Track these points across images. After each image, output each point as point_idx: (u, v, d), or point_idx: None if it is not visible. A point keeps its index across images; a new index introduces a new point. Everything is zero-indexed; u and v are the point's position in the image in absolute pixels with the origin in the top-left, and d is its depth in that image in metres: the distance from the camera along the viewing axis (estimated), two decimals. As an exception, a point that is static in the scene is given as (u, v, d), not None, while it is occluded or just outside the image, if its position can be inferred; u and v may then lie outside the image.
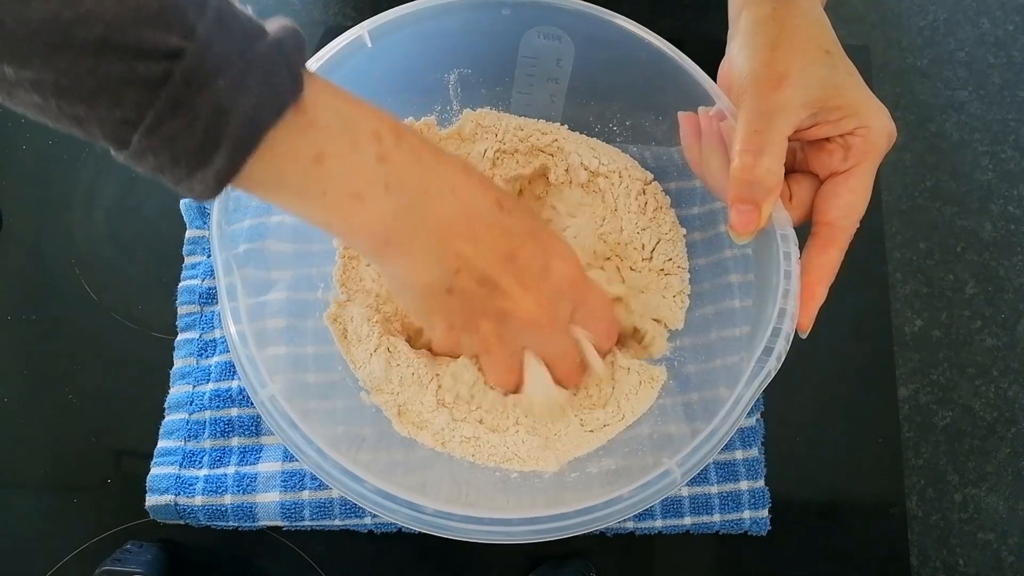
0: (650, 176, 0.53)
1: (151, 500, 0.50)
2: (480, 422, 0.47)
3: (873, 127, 0.41)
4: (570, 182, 0.53)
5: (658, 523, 0.51)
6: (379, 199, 0.35)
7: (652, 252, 0.51)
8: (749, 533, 0.52)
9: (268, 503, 0.50)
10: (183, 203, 0.58)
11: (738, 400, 0.39)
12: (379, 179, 0.35)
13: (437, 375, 0.47)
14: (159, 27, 0.27)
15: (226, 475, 0.51)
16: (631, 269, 0.51)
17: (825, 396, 0.57)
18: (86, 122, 0.29)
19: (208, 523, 0.51)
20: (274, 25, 0.31)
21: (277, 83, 0.31)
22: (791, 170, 0.43)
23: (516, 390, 0.46)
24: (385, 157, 0.35)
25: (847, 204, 0.41)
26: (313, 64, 0.44)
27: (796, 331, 0.41)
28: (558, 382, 0.46)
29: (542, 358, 0.44)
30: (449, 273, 0.38)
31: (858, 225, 0.42)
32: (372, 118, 0.35)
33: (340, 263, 0.51)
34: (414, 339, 0.50)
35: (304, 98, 0.32)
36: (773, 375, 0.40)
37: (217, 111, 0.29)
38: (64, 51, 0.27)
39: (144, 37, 0.27)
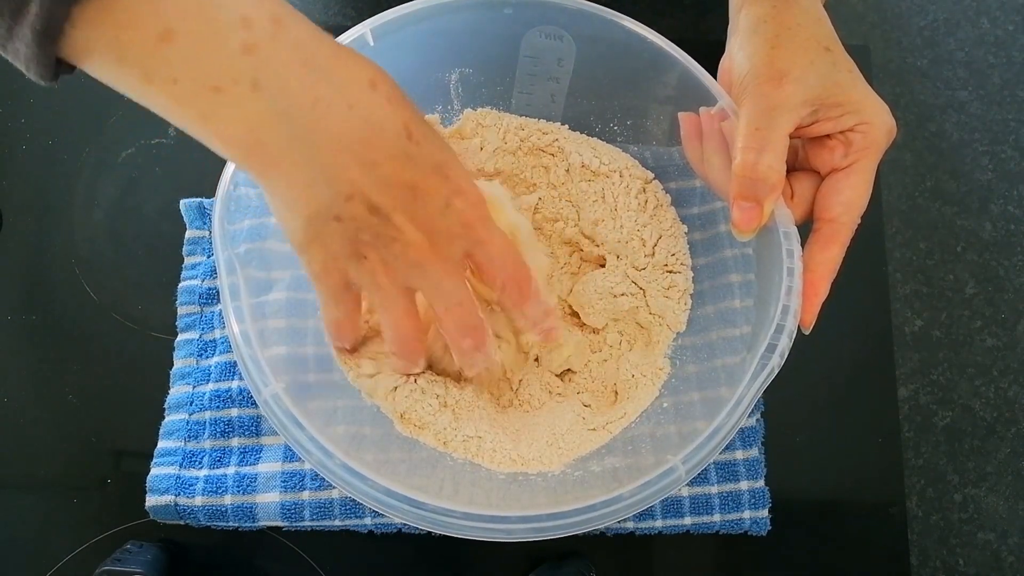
0: (650, 175, 0.53)
1: (151, 500, 0.50)
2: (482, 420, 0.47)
3: (873, 123, 0.41)
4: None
5: (658, 523, 0.51)
6: (244, 97, 0.31)
7: (654, 248, 0.51)
8: (749, 533, 0.52)
9: (268, 503, 0.50)
10: (183, 203, 0.58)
11: (742, 397, 0.39)
12: (244, 74, 0.31)
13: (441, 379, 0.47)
14: None
15: (226, 475, 0.51)
16: (634, 268, 0.51)
17: (825, 396, 0.57)
18: None
19: (208, 523, 0.50)
20: None
21: None
22: (792, 167, 0.44)
23: (420, 337, 0.42)
24: (253, 48, 0.31)
25: (848, 200, 0.41)
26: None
27: (799, 328, 0.41)
28: (451, 334, 0.41)
29: (434, 306, 0.40)
30: (340, 198, 0.34)
31: (859, 221, 0.42)
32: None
33: None
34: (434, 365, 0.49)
35: None
36: (776, 372, 0.40)
37: None
38: None
39: None
